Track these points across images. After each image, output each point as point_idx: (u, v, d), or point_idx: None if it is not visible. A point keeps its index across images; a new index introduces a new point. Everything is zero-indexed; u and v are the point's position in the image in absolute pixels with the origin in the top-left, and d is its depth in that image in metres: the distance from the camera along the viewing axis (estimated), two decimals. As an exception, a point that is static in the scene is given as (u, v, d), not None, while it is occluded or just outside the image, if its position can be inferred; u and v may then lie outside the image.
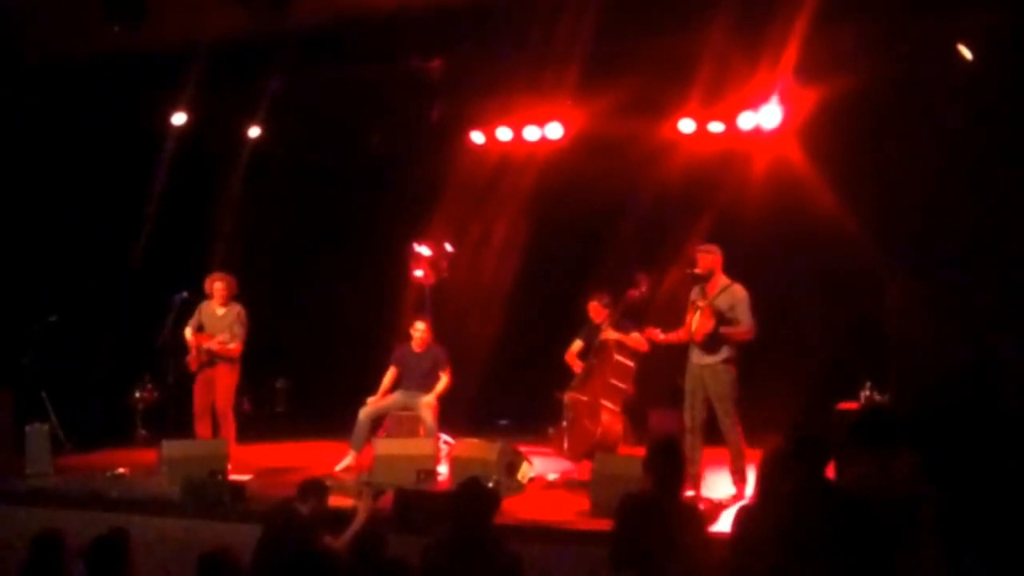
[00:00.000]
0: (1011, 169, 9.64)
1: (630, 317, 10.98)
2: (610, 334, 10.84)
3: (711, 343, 9.69)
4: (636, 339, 10.80)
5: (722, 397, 9.70)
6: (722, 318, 9.62)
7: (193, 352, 11.56)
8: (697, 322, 9.74)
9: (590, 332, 11.22)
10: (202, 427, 11.67)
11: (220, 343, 11.45)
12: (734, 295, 9.70)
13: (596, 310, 11.12)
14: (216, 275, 11.74)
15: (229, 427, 11.61)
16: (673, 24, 10.73)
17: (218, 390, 11.60)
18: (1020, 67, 9.61)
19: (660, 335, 10.16)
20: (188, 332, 11.62)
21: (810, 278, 12.13)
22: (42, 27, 11.45)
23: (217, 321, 11.63)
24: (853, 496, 5.65)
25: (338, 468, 11.20)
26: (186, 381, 12.15)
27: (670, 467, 6.02)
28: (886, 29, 10.21)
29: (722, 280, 9.84)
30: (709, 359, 9.72)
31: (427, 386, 11.60)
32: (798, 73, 10.75)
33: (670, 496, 5.97)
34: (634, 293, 10.79)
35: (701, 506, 8.72)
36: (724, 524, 7.10)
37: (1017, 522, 7.15)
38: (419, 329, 11.70)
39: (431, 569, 5.76)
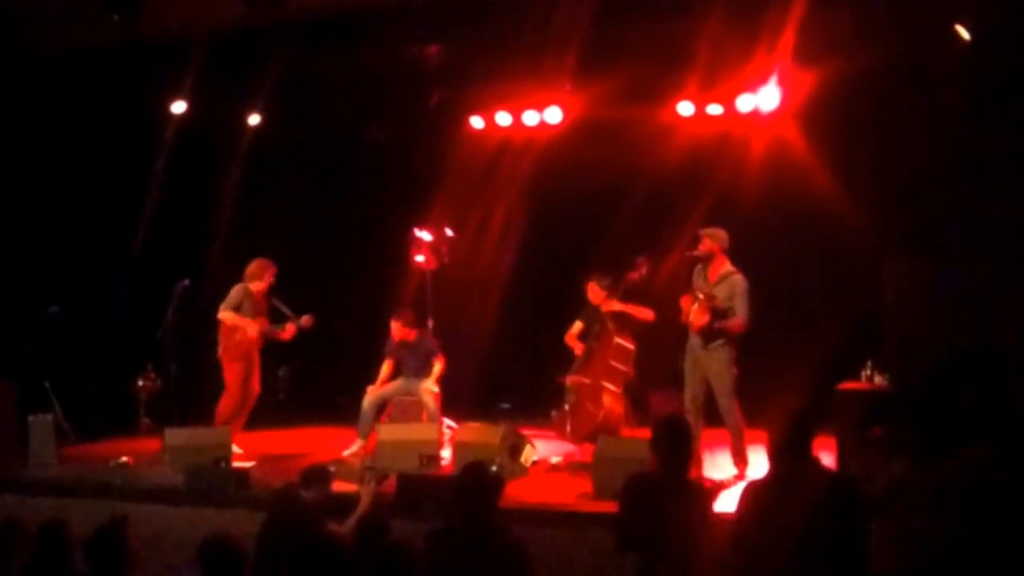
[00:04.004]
0: (1008, 150, 9.65)
1: (630, 300, 11.00)
2: (615, 305, 10.84)
3: (708, 333, 9.73)
4: (640, 309, 10.83)
5: (720, 378, 9.74)
6: (718, 313, 9.65)
7: (250, 334, 11.57)
8: (694, 314, 9.77)
9: (590, 314, 11.25)
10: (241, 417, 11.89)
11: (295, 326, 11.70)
12: (733, 285, 9.71)
13: (594, 291, 11.11)
14: (272, 262, 11.80)
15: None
16: (671, 7, 10.75)
17: (258, 374, 11.82)
18: (1017, 48, 9.60)
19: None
20: (231, 315, 11.54)
21: (809, 259, 12.15)
22: (42, 17, 11.45)
23: (257, 305, 11.68)
24: (836, 475, 5.68)
25: (346, 453, 11.26)
26: (189, 370, 12.21)
27: (676, 446, 6.01)
28: (884, 10, 10.21)
29: (725, 266, 9.85)
30: (707, 344, 9.76)
31: (426, 371, 11.65)
32: (796, 55, 10.75)
33: (675, 475, 5.97)
34: (634, 276, 10.81)
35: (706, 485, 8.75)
36: (725, 504, 7.12)
37: (1017, 500, 7.16)
38: (394, 329, 11.68)
39: (435, 554, 5.77)
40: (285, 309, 11.75)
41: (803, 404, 5.87)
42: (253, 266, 11.70)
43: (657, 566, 5.76)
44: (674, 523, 5.70)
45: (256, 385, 11.82)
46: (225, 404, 11.61)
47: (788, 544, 5.11)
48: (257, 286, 11.65)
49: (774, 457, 5.62)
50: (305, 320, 11.67)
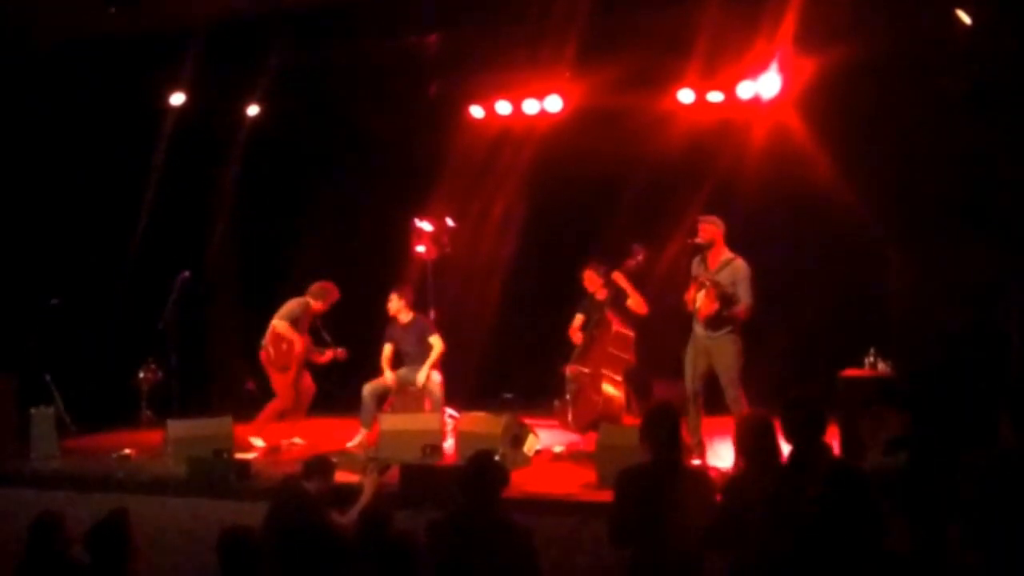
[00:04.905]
0: (1010, 135, 9.61)
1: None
2: (619, 278, 10.82)
3: (715, 321, 9.68)
4: (637, 295, 10.82)
5: (728, 367, 9.67)
6: (727, 300, 9.58)
7: (296, 349, 11.55)
8: (701, 301, 9.69)
9: (588, 304, 11.23)
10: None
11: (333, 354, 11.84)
12: (736, 271, 9.65)
13: (591, 278, 11.13)
14: (336, 289, 11.85)
15: None
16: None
17: (307, 373, 11.89)
18: (1018, 33, 9.56)
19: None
20: (285, 325, 11.51)
21: (811, 246, 12.09)
22: (40, 10, 11.42)
23: (305, 323, 11.72)
24: (848, 465, 5.65)
25: (350, 444, 11.25)
26: (190, 362, 12.19)
27: (666, 433, 5.96)
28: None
29: (724, 253, 9.79)
30: (714, 332, 9.71)
31: (425, 357, 11.62)
32: (797, 41, 10.71)
33: (669, 463, 5.94)
34: (631, 263, 10.79)
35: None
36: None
37: (1017, 487, 7.14)
38: (392, 301, 11.78)
39: (438, 544, 5.75)
40: (327, 336, 11.81)
41: (800, 392, 5.80)
42: (320, 286, 11.76)
43: (655, 555, 5.75)
44: (671, 511, 5.67)
45: (310, 383, 11.88)
46: (274, 406, 11.67)
47: (793, 532, 5.08)
48: (317, 306, 11.70)
49: (765, 450, 5.58)
50: (341, 352, 11.76)
